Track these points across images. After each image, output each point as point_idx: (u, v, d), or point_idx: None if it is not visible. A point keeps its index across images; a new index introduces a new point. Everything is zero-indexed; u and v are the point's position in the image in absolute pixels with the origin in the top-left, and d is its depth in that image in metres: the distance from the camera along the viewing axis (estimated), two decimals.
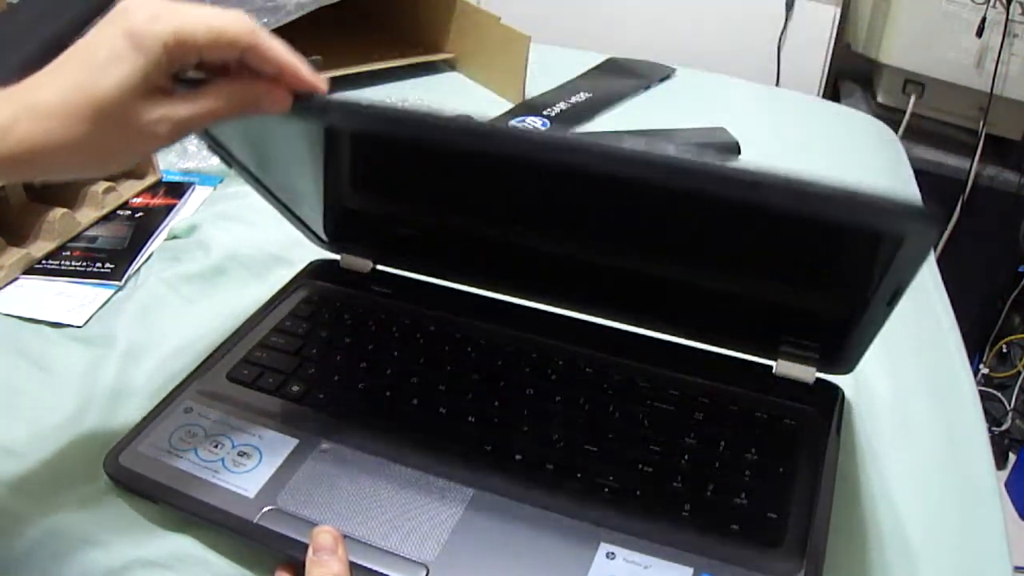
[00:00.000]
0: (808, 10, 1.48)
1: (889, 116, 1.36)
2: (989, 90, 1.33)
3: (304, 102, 0.38)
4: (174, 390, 0.48)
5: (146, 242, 0.65)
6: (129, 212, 0.69)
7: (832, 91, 1.59)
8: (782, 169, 0.31)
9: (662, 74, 1.05)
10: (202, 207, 0.70)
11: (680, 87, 1.04)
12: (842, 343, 0.45)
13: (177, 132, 0.37)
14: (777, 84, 1.51)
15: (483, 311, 0.54)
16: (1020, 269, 1.50)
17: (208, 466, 0.43)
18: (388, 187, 0.52)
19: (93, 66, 0.35)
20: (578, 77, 1.03)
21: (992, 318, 1.57)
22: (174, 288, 0.60)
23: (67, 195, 0.66)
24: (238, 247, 0.64)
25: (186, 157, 0.76)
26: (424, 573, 0.38)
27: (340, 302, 0.56)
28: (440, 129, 0.37)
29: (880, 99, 1.46)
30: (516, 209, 0.48)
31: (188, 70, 0.37)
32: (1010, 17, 1.27)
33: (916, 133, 1.42)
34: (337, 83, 0.91)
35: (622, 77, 1.04)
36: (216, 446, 0.44)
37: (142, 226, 0.67)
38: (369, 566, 0.38)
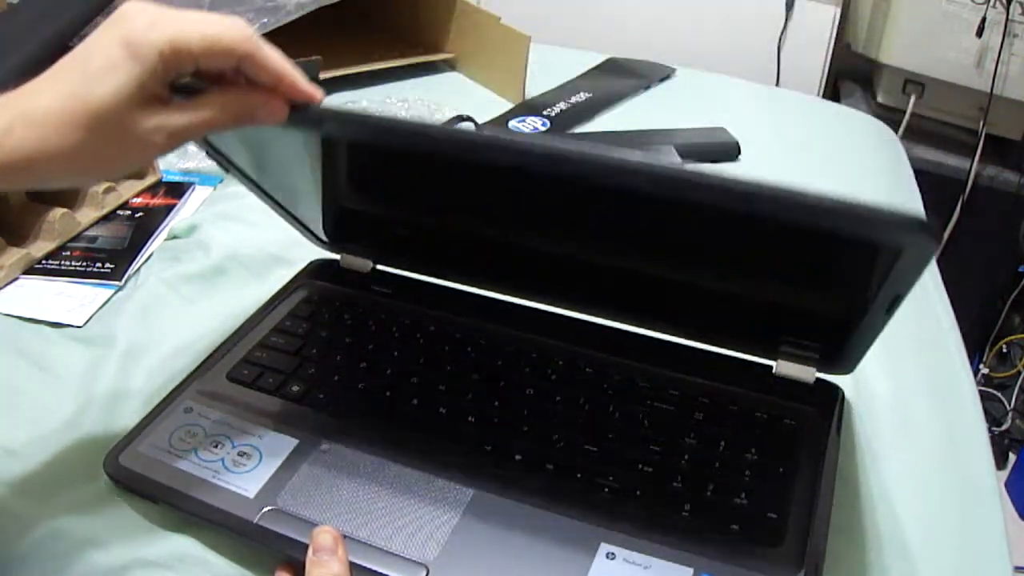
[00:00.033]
0: (808, 10, 1.48)
1: (889, 116, 1.36)
2: (989, 90, 1.33)
3: (300, 112, 0.38)
4: (174, 390, 0.48)
5: (146, 242, 0.65)
6: (129, 212, 0.69)
7: (832, 91, 1.59)
8: (782, 182, 0.31)
9: (662, 74, 1.05)
10: (202, 207, 0.70)
11: (680, 87, 1.04)
12: (842, 345, 0.45)
13: (172, 141, 0.36)
14: (777, 84, 1.51)
15: (483, 311, 0.54)
16: (1020, 269, 1.50)
17: (208, 466, 0.43)
18: (386, 191, 0.52)
19: (89, 74, 0.34)
20: (578, 77, 1.03)
21: (992, 318, 1.57)
22: (174, 288, 0.60)
23: (67, 195, 0.66)
24: (238, 247, 0.64)
25: (186, 157, 0.76)
26: (424, 573, 0.38)
27: (340, 302, 0.56)
28: (434, 140, 0.37)
29: (880, 99, 1.46)
30: (515, 213, 0.48)
31: (185, 78, 0.36)
32: (1010, 17, 1.27)
33: (916, 133, 1.42)
34: (337, 83, 0.92)
35: (622, 77, 1.04)
36: (216, 446, 0.44)
37: (142, 226, 0.67)
38: (369, 566, 0.38)
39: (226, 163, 0.47)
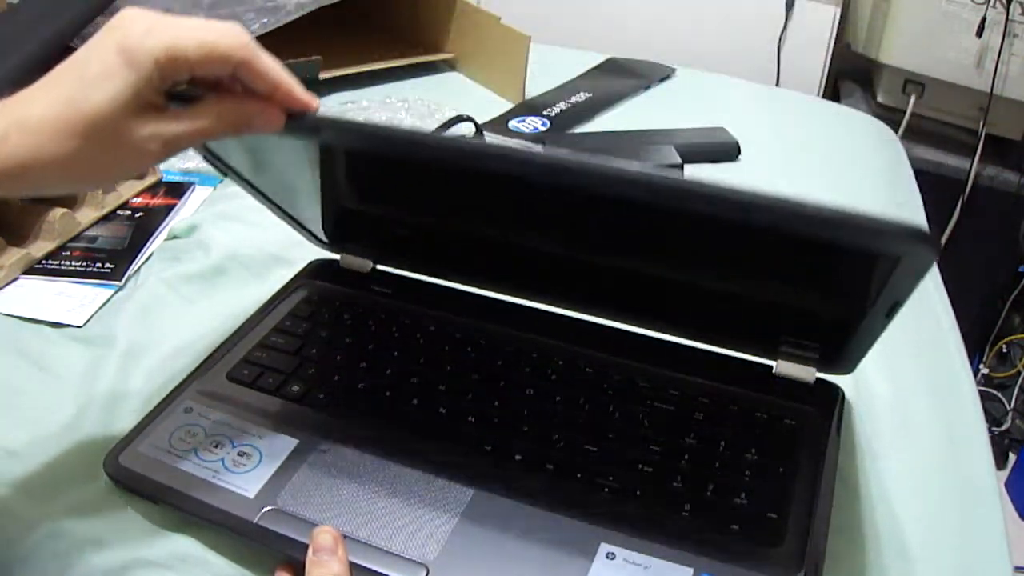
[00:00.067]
0: (808, 10, 1.48)
1: (889, 116, 1.36)
2: (989, 90, 1.33)
3: (297, 121, 0.38)
4: (174, 390, 0.48)
5: (146, 242, 0.65)
6: (129, 212, 0.69)
7: (832, 91, 1.59)
8: (780, 192, 0.31)
9: (662, 74, 1.05)
10: (202, 207, 0.70)
11: (680, 87, 1.04)
12: (842, 346, 0.45)
13: (168, 149, 0.36)
14: (777, 84, 1.51)
15: (483, 311, 0.54)
16: (1020, 269, 1.50)
17: (208, 466, 0.43)
18: (385, 194, 0.52)
19: (84, 81, 0.34)
20: (578, 77, 1.03)
21: (992, 318, 1.57)
22: (174, 288, 0.60)
23: (67, 195, 0.66)
24: (238, 247, 0.64)
25: (186, 157, 0.76)
26: (424, 573, 0.38)
27: (340, 302, 0.56)
28: (429, 148, 0.37)
29: (880, 99, 1.46)
30: (513, 217, 0.48)
31: (181, 85, 0.36)
32: (1010, 17, 1.27)
33: (916, 133, 1.42)
34: (337, 83, 0.92)
35: (622, 77, 1.04)
36: (216, 446, 0.44)
37: (142, 226, 0.67)
38: (369, 566, 0.38)
39: (224, 167, 0.47)
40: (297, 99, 0.38)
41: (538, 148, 0.83)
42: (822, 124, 0.98)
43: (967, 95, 1.36)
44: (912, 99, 1.40)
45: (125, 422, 0.47)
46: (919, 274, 0.33)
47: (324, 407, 0.47)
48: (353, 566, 0.38)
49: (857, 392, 0.53)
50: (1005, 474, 1.50)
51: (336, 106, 0.89)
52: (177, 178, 0.74)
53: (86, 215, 0.67)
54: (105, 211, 0.68)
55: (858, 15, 1.51)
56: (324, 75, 0.91)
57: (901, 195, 0.86)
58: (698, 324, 0.50)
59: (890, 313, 0.38)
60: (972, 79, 1.34)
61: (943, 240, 1.44)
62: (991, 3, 1.27)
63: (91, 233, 0.66)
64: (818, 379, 0.49)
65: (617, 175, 0.33)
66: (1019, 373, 1.54)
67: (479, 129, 0.81)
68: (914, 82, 1.40)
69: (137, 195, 0.71)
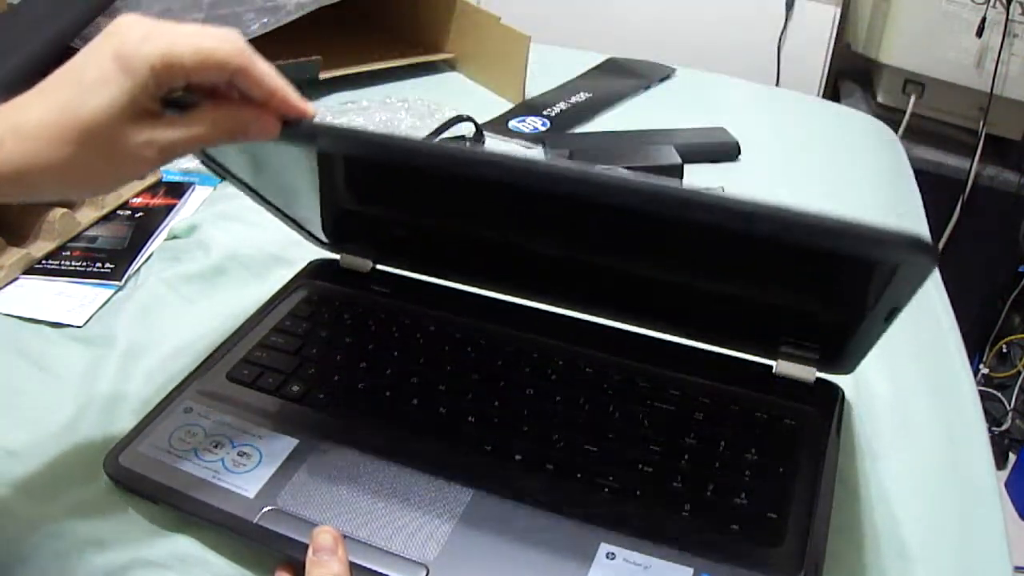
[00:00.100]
0: (808, 10, 1.48)
1: (889, 116, 1.36)
2: (989, 90, 1.33)
3: (292, 128, 0.38)
4: (174, 390, 0.48)
5: (146, 242, 0.65)
6: (129, 212, 0.69)
7: (832, 91, 1.59)
8: (781, 201, 0.31)
9: (662, 74, 1.05)
10: (202, 207, 0.70)
11: (680, 87, 1.04)
12: (841, 348, 0.46)
13: (164, 156, 0.36)
14: (777, 84, 1.51)
15: (483, 311, 0.54)
16: (1020, 269, 1.50)
17: (208, 466, 0.43)
18: (384, 197, 0.52)
19: (80, 87, 0.34)
20: (578, 77, 1.03)
21: (992, 318, 1.57)
22: (174, 288, 0.60)
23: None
24: (238, 247, 0.64)
25: (186, 157, 0.76)
26: (424, 573, 0.38)
27: (340, 302, 0.56)
28: (425, 156, 0.37)
29: (880, 99, 1.46)
30: (513, 221, 0.47)
31: (178, 92, 0.36)
32: (1010, 17, 1.27)
33: (916, 133, 1.42)
34: (337, 83, 0.92)
35: (622, 77, 1.04)
36: (216, 446, 0.44)
37: (142, 226, 0.67)
38: (369, 566, 0.38)
39: (222, 171, 0.47)
40: (293, 106, 0.38)
41: (537, 149, 0.83)
42: (822, 124, 0.98)
43: (967, 95, 1.36)
44: (912, 99, 1.41)
45: (125, 422, 0.47)
46: (918, 281, 0.34)
47: (324, 407, 0.47)
48: (353, 566, 0.38)
49: (857, 392, 0.53)
50: (1005, 474, 1.50)
51: (336, 106, 0.89)
52: (177, 178, 0.74)
53: (86, 215, 0.67)
54: (105, 211, 0.68)
55: (858, 15, 1.51)
56: (324, 75, 0.91)
57: (901, 195, 0.86)
58: (698, 324, 0.50)
59: (889, 317, 0.38)
60: (972, 79, 1.34)
61: (943, 240, 1.44)
62: (991, 3, 1.27)
63: (91, 233, 0.66)
64: (818, 379, 0.49)
65: (617, 184, 0.33)
66: (1019, 373, 1.54)
67: (479, 129, 0.81)
68: (914, 82, 1.40)
69: (137, 195, 0.71)
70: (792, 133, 0.94)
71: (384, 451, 0.44)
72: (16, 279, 0.60)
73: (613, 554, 0.39)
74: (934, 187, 0.97)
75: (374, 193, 0.52)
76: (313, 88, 0.91)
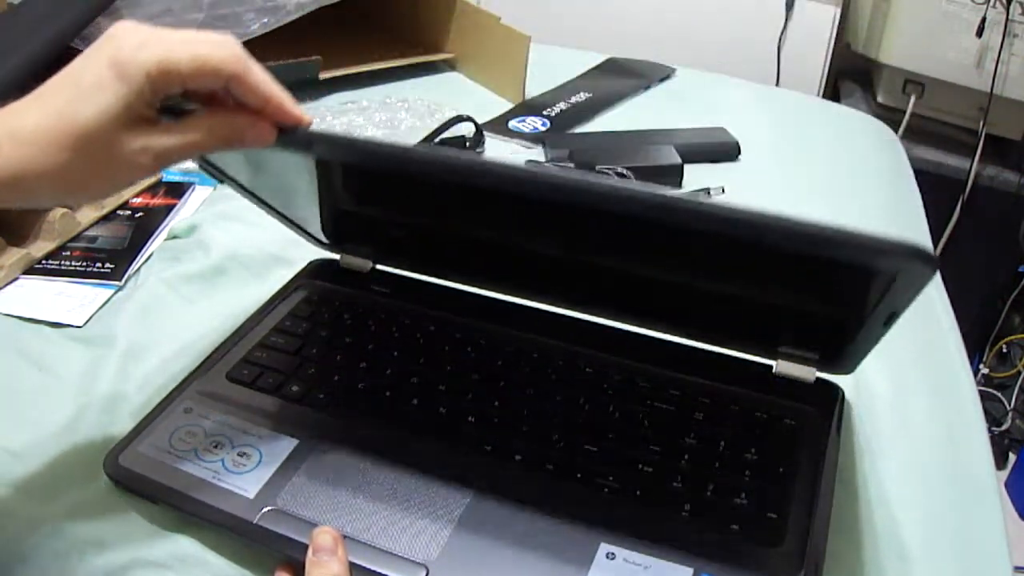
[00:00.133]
0: (808, 10, 1.48)
1: (889, 116, 1.36)
2: (989, 90, 1.33)
3: (288, 135, 0.38)
4: (174, 390, 0.48)
5: (146, 242, 0.65)
6: (129, 212, 0.69)
7: (832, 91, 1.59)
8: (780, 211, 0.31)
9: (662, 74, 1.05)
10: (202, 207, 0.70)
11: (680, 87, 1.04)
12: (841, 349, 0.46)
13: (159, 163, 0.37)
14: (777, 84, 1.51)
15: (483, 311, 0.54)
16: (1020, 269, 1.50)
17: (208, 466, 0.43)
18: (382, 200, 0.52)
19: (76, 94, 0.35)
20: (578, 77, 1.03)
21: (992, 318, 1.57)
22: (174, 288, 0.60)
23: None
24: (238, 247, 0.64)
25: None
26: (424, 573, 0.38)
27: (340, 302, 0.56)
28: (421, 163, 0.37)
29: (880, 99, 1.46)
30: (512, 225, 0.47)
31: (174, 99, 0.36)
32: (1010, 17, 1.27)
33: (916, 133, 1.42)
34: (337, 83, 0.92)
35: (622, 77, 1.04)
36: (216, 446, 0.44)
37: (142, 226, 0.67)
38: (369, 566, 0.38)
39: (220, 175, 0.48)
40: (289, 113, 0.38)
41: (537, 149, 0.83)
42: (822, 124, 0.98)
43: (967, 95, 1.36)
44: (912, 99, 1.41)
45: (125, 422, 0.47)
46: (917, 288, 0.34)
47: (324, 407, 0.47)
48: (353, 566, 0.38)
49: (857, 392, 0.53)
50: (1005, 474, 1.50)
51: (336, 106, 0.89)
52: (177, 178, 0.74)
53: (86, 215, 0.67)
54: (105, 211, 0.68)
55: (858, 15, 1.51)
56: (324, 75, 0.91)
57: (901, 195, 0.86)
58: (697, 324, 0.50)
59: (888, 322, 0.38)
60: (972, 79, 1.34)
61: (943, 240, 1.44)
62: (991, 3, 1.27)
63: (91, 233, 0.66)
64: (818, 379, 0.49)
65: (613, 194, 0.33)
66: (1019, 373, 1.54)
67: (479, 129, 0.81)
68: (914, 82, 1.40)
69: (137, 195, 0.71)
70: (792, 133, 0.93)
71: (384, 451, 0.44)
72: (16, 279, 0.60)
73: (613, 554, 0.39)
74: (934, 187, 0.97)
75: (373, 196, 0.52)
76: (313, 88, 0.91)
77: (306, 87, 0.91)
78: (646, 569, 0.38)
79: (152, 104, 0.36)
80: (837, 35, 1.49)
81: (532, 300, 0.54)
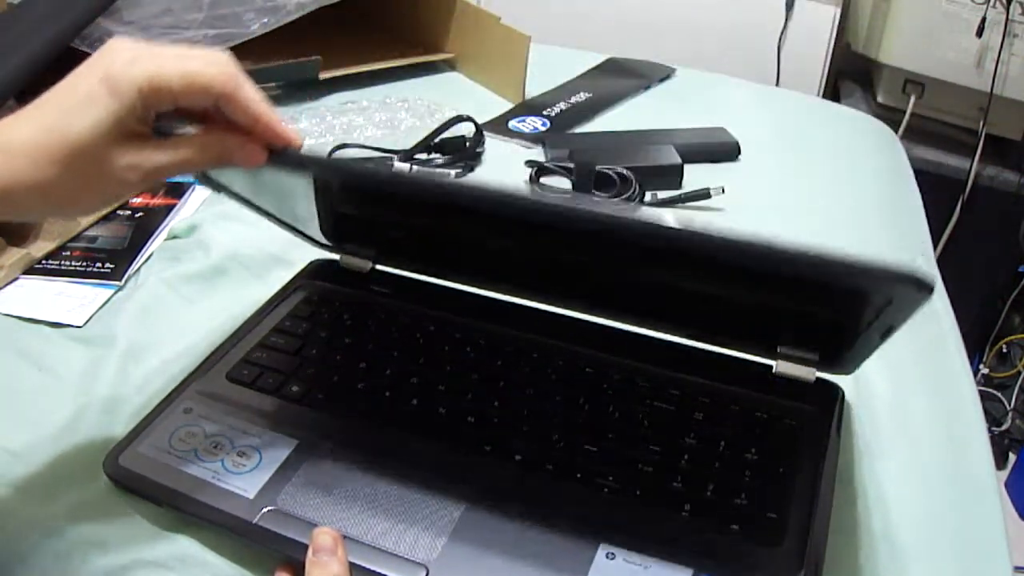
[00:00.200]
0: (808, 10, 1.48)
1: (889, 116, 1.36)
2: (989, 90, 1.33)
3: (279, 157, 0.38)
4: (174, 391, 0.48)
5: (146, 242, 0.65)
6: (129, 212, 0.69)
7: (832, 91, 1.59)
8: (777, 237, 0.31)
9: (662, 74, 1.05)
10: (202, 207, 0.70)
11: (680, 87, 1.04)
12: (840, 355, 0.46)
13: (148, 180, 0.37)
14: (777, 84, 1.51)
15: (483, 311, 0.54)
16: (1020, 269, 1.50)
17: (208, 467, 0.43)
18: (379, 209, 0.52)
19: (68, 108, 0.35)
20: (578, 77, 1.03)
21: (992, 318, 1.57)
22: (174, 288, 0.60)
23: None
24: (238, 247, 0.64)
25: None
26: (424, 573, 0.38)
27: (340, 302, 0.56)
28: (407, 187, 0.37)
29: (880, 99, 1.46)
30: (511, 238, 0.47)
31: (165, 115, 0.37)
32: (1010, 17, 1.27)
33: (916, 133, 1.42)
34: (337, 83, 0.92)
35: (622, 77, 1.04)
36: (216, 447, 0.44)
37: (142, 226, 0.67)
38: (369, 566, 0.38)
39: (216, 186, 0.48)
40: (278, 134, 0.38)
41: (537, 149, 0.83)
42: (822, 124, 0.98)
43: (967, 95, 1.36)
44: (912, 99, 1.41)
45: (125, 422, 0.47)
46: (912, 309, 0.34)
47: (324, 407, 0.47)
48: (353, 566, 0.38)
49: (857, 392, 0.53)
50: (1005, 474, 1.50)
51: (336, 106, 0.89)
52: (177, 178, 0.74)
53: None
54: (105, 211, 0.68)
55: (858, 15, 1.51)
56: (324, 75, 0.91)
57: (901, 195, 0.86)
58: (697, 324, 0.50)
59: (885, 335, 0.39)
60: (972, 79, 1.34)
61: (943, 240, 1.44)
62: (991, 3, 1.27)
63: (91, 233, 0.66)
64: (818, 378, 0.49)
65: (605, 222, 0.33)
66: (1019, 373, 1.54)
67: (479, 129, 0.81)
68: (914, 82, 1.40)
69: (137, 195, 0.71)
70: (792, 133, 0.93)
71: (384, 451, 0.44)
72: (16, 279, 0.60)
73: (613, 554, 0.39)
74: (934, 187, 0.97)
75: (370, 204, 0.52)
76: (313, 88, 0.91)
77: (306, 87, 0.91)
78: (646, 569, 0.38)
79: (144, 120, 0.36)
80: (837, 35, 1.49)
81: (532, 300, 0.54)
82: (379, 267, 0.58)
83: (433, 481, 0.42)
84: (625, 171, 0.73)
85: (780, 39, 1.50)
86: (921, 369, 0.58)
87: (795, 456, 0.44)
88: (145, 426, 0.46)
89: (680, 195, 0.74)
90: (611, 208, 0.33)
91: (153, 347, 0.54)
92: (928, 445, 0.51)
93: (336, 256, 0.59)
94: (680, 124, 0.88)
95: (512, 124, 0.88)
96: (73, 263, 0.62)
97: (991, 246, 1.44)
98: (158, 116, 0.37)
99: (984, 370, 1.58)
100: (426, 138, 0.78)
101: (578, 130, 0.89)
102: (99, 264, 0.62)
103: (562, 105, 0.94)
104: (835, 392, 0.49)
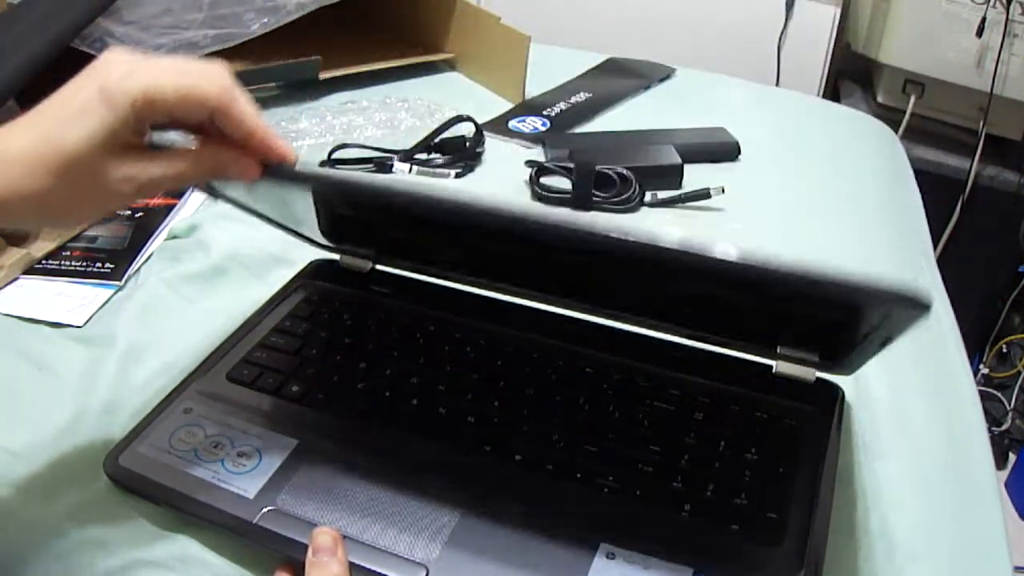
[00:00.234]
0: (808, 10, 1.48)
1: (889, 116, 1.36)
2: (989, 90, 1.33)
3: (273, 171, 0.38)
4: (174, 390, 0.48)
5: (146, 242, 0.65)
6: (129, 212, 0.69)
7: (832, 91, 1.59)
8: (776, 257, 0.31)
9: (662, 74, 1.05)
10: (202, 207, 0.70)
11: (680, 87, 1.04)
12: (840, 358, 0.46)
13: (142, 192, 0.37)
14: (777, 84, 1.51)
15: (483, 311, 0.54)
16: (1020, 269, 1.50)
17: (208, 467, 0.43)
18: (378, 213, 0.52)
19: (63, 119, 0.35)
20: (578, 77, 1.03)
21: (992, 318, 1.57)
22: (174, 288, 0.60)
23: None
24: (238, 247, 0.64)
25: None
26: (424, 573, 0.38)
27: (340, 302, 0.56)
28: (403, 199, 0.37)
29: (880, 99, 1.46)
30: (512, 246, 0.47)
31: (160, 127, 0.37)
32: (1010, 17, 1.27)
33: (916, 133, 1.42)
34: (337, 83, 0.92)
35: (622, 77, 1.04)
36: (216, 447, 0.44)
37: (142, 226, 0.67)
38: (369, 566, 0.38)
39: (213, 193, 0.48)
40: (272, 149, 0.38)
41: (537, 149, 0.83)
42: (822, 124, 0.98)
43: (967, 95, 1.36)
44: (912, 99, 1.41)
45: (125, 422, 0.47)
46: (910, 324, 0.34)
47: (324, 407, 0.47)
48: (353, 566, 0.38)
49: (857, 392, 0.53)
50: (1005, 474, 1.50)
51: (336, 106, 0.89)
52: None
53: None
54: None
55: (858, 15, 1.51)
56: (324, 75, 0.91)
57: (901, 195, 0.86)
58: (698, 324, 0.50)
59: (883, 344, 0.39)
60: (972, 79, 1.34)
61: (943, 240, 1.44)
62: (991, 3, 1.27)
63: (91, 233, 0.66)
64: (818, 379, 0.49)
65: (604, 241, 0.33)
66: (1019, 373, 1.54)
67: (479, 129, 0.81)
68: (914, 82, 1.40)
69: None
70: (792, 133, 0.94)
71: (384, 451, 0.44)
72: (16, 279, 0.60)
73: (613, 554, 0.39)
74: (934, 187, 0.97)
75: (368, 211, 0.52)
76: (313, 88, 0.91)
77: (306, 87, 0.91)
78: (646, 569, 0.38)
79: (138, 132, 0.36)
80: (837, 35, 1.49)
81: (532, 300, 0.54)
82: (379, 267, 0.58)
83: (433, 481, 0.42)
84: (625, 171, 0.73)
85: (780, 39, 1.50)
86: (921, 369, 0.58)
87: (795, 456, 0.44)
88: (145, 426, 0.46)
89: (680, 195, 0.75)
90: (611, 226, 0.33)
91: (153, 347, 0.54)
92: (928, 445, 0.51)
93: (336, 256, 0.59)
94: (680, 124, 0.88)
95: (512, 124, 0.88)
96: (73, 263, 0.62)
97: (991, 246, 1.44)
98: (153, 127, 0.37)
99: (984, 370, 1.58)
100: (426, 138, 0.78)
101: (578, 130, 0.89)
102: (99, 264, 0.62)
103: (562, 105, 0.94)
104: (835, 392, 0.49)
